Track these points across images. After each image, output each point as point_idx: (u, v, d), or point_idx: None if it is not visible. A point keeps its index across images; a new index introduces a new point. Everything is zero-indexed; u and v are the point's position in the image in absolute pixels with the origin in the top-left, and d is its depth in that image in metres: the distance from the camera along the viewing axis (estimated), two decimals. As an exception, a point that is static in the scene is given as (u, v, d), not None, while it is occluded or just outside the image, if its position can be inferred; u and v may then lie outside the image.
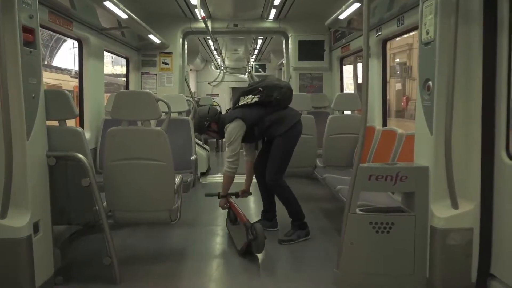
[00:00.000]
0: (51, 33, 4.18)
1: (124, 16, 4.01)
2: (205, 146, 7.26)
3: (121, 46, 5.68)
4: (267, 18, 6.37)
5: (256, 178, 3.96)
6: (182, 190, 3.93)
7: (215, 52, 11.02)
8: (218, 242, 3.73)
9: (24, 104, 2.42)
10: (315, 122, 5.09)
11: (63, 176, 2.75)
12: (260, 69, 13.55)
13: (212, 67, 14.65)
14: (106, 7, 3.66)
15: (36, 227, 2.55)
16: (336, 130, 4.67)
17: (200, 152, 6.72)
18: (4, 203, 2.39)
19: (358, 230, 2.65)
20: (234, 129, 3.52)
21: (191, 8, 5.72)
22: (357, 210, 2.66)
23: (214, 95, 14.27)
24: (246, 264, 3.22)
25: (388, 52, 16.95)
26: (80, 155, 2.72)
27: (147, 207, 3.03)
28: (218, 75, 14.25)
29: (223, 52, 11.53)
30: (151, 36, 5.48)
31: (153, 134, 2.91)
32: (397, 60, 19.57)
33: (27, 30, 2.45)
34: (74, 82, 12.90)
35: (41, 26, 3.35)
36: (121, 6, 3.76)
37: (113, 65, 14.96)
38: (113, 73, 14.90)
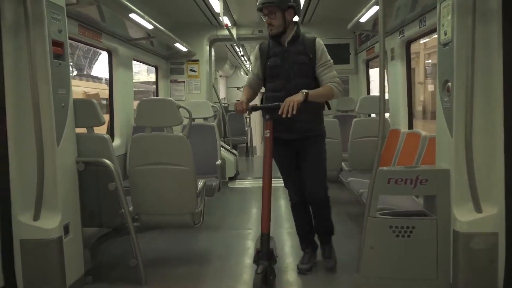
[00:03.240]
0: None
1: (150, 26, 4.16)
2: (233, 150, 7.36)
3: (150, 55, 5.87)
4: None
5: (298, 196, 3.11)
6: (207, 194, 4.03)
7: (243, 58, 11.16)
8: (244, 245, 3.78)
9: (54, 113, 2.57)
10: (341, 126, 5.08)
11: (91, 180, 2.89)
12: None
13: (242, 72, 14.80)
14: (132, 19, 3.82)
15: (66, 229, 2.69)
16: (361, 133, 4.64)
17: (228, 157, 6.82)
18: (37, 206, 2.54)
19: (378, 234, 2.63)
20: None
21: (216, 16, 5.84)
22: (377, 214, 2.65)
23: (243, 100, 14.38)
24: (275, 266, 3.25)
25: (423, 52, 16.36)
26: (107, 161, 2.85)
27: (170, 211, 3.12)
28: (247, 80, 14.38)
29: (251, 57, 11.65)
30: (178, 45, 5.64)
31: (175, 140, 3.01)
32: (429, 61, 19.05)
33: (57, 43, 2.61)
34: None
35: (72, 38, 3.54)
36: (146, 17, 3.91)
37: (148, 73, 15.38)
38: (147, 81, 15.28)
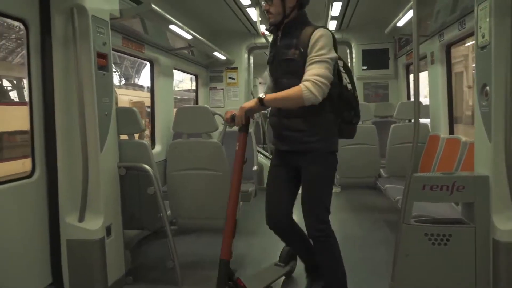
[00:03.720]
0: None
1: (189, 37, 4.31)
2: (271, 156, 7.41)
3: (190, 64, 6.06)
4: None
5: (271, 218, 2.73)
6: (244, 199, 4.10)
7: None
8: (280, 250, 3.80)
9: (98, 120, 2.74)
10: (380, 132, 5.01)
11: (132, 185, 3.03)
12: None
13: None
14: (172, 30, 3.98)
15: (108, 231, 2.84)
16: (399, 139, 4.55)
17: (265, 163, 6.87)
18: (82, 208, 2.71)
19: (413, 241, 2.58)
20: (331, 39, 2.28)
21: (254, 24, 5.94)
22: (412, 221, 2.60)
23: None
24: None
25: (471, 55, 15.77)
26: (146, 166, 2.99)
27: (206, 215, 3.22)
28: (286, 87, 14.42)
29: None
30: (217, 54, 5.78)
31: (210, 146, 3.11)
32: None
33: (101, 55, 2.78)
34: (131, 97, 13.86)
35: (116, 50, 3.74)
36: (185, 28, 4.06)
37: (191, 81, 15.79)
38: (189, 89, 15.64)
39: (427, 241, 2.54)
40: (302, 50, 2.27)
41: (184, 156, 3.16)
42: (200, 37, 4.67)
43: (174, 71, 5.33)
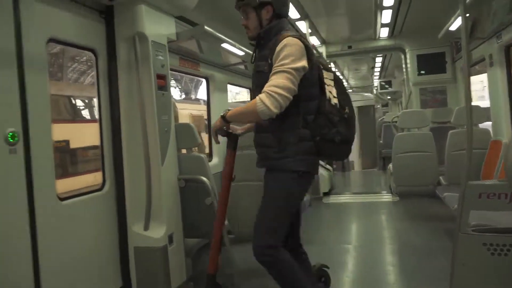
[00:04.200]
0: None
1: (241, 53, 4.50)
2: (327, 166, 7.41)
3: (245, 78, 6.27)
4: (380, 37, 6.34)
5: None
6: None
7: (337, 73, 11.18)
8: (335, 259, 3.79)
9: (159, 136, 2.97)
10: (438, 138, 4.87)
11: (191, 196, 3.23)
12: (386, 86, 13.17)
13: (336, 88, 14.77)
14: (225, 48, 4.19)
15: (170, 239, 3.05)
16: (458, 145, 4.40)
17: (321, 173, 6.89)
18: (146, 218, 2.94)
19: (470, 251, 2.51)
20: (298, 48, 2.09)
21: (304, 36, 6.03)
22: (469, 230, 2.53)
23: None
24: (370, 280, 3.28)
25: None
26: (204, 178, 3.17)
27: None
28: (341, 95, 14.29)
29: (345, 72, 11.60)
30: (269, 67, 5.94)
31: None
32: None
33: (160, 76, 3.02)
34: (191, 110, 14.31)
35: (174, 70, 4.01)
36: (237, 45, 4.25)
37: (248, 92, 16.15)
38: (246, 101, 15.98)
39: (485, 251, 2.46)
40: (270, 62, 2.14)
41: (241, 168, 3.30)
42: (252, 52, 4.84)
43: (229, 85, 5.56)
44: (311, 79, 2.15)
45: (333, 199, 6.77)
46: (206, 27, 3.47)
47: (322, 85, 2.17)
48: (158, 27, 3.07)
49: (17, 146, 2.19)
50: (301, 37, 2.19)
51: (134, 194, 2.98)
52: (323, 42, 6.65)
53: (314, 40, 6.35)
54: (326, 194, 6.89)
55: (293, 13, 4.81)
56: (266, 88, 2.04)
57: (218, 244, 2.49)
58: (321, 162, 7.33)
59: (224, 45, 4.09)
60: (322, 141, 2.14)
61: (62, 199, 2.53)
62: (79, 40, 2.76)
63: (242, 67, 5.91)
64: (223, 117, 2.24)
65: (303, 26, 5.29)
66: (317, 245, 4.24)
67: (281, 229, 2.23)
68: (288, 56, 2.05)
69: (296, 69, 2.05)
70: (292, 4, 4.49)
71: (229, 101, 6.99)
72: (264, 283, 3.30)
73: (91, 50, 2.89)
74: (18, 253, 2.20)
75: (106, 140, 2.96)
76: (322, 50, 6.61)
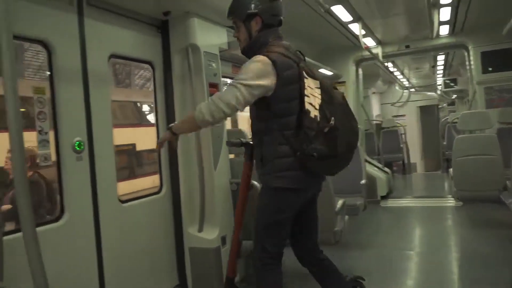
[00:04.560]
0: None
1: (293, 58, 4.55)
2: (385, 169, 7.22)
3: None
4: (439, 35, 6.07)
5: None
6: (351, 213, 4.15)
7: (397, 72, 10.82)
8: (392, 265, 3.71)
9: (212, 143, 3.11)
10: (506, 140, 4.60)
11: None
12: (452, 84, 12.54)
13: (397, 87, 14.29)
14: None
15: (223, 240, 3.17)
16: None
17: (378, 175, 6.74)
18: (200, 220, 3.10)
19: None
20: (259, 66, 2.05)
21: (358, 38, 5.95)
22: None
23: (400, 116, 13.81)
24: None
25: None
26: (254, 182, 3.26)
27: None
28: (401, 95, 13.77)
29: (405, 71, 11.21)
30: (322, 70, 5.93)
31: None
32: None
33: (212, 85, 3.17)
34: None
35: (226, 77, 4.16)
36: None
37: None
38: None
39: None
40: None
41: None
42: (306, 58, 4.87)
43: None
44: (283, 95, 2.08)
45: (392, 202, 6.58)
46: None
47: (302, 97, 2.07)
48: (210, 37, 3.22)
49: (83, 154, 2.42)
50: (279, 54, 2.09)
51: (189, 197, 3.15)
52: (379, 42, 6.50)
53: (369, 42, 6.22)
54: (384, 197, 6.71)
55: (345, 16, 4.77)
56: (211, 97, 2.09)
57: (236, 250, 2.59)
58: (377, 164, 7.15)
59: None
60: (303, 156, 2.05)
61: (122, 202, 2.75)
62: (138, 54, 2.98)
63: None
64: (169, 128, 2.22)
65: (356, 28, 5.23)
66: (374, 249, 4.17)
67: (271, 242, 2.21)
68: (246, 72, 2.05)
69: (248, 86, 2.01)
70: (344, 7, 4.46)
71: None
72: (312, 285, 3.33)
73: (149, 63, 3.10)
74: (84, 250, 2.43)
75: (163, 147, 3.15)
76: (378, 51, 6.47)
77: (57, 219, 2.30)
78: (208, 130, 3.08)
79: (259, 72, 2.03)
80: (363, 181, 4.54)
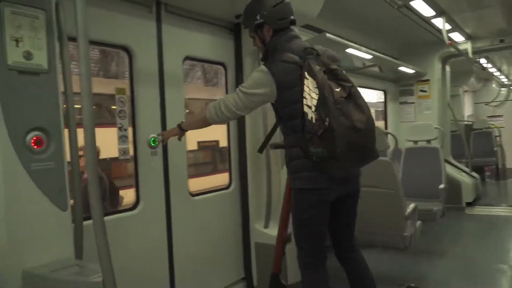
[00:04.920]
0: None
1: (368, 56, 4.44)
2: (473, 173, 6.71)
3: (377, 81, 6.12)
4: None
5: None
6: (427, 218, 3.95)
7: (492, 69, 9.92)
8: (469, 276, 3.49)
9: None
10: None
11: None
12: None
13: (494, 85, 13.08)
14: (349, 53, 4.19)
15: (288, 238, 3.22)
16: None
17: (464, 180, 6.29)
18: (267, 216, 3.19)
19: None
20: (257, 76, 2.20)
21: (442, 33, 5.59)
22: None
23: (497, 116, 12.61)
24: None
25: None
26: None
27: (378, 231, 3.27)
28: (498, 93, 12.55)
29: (503, 68, 10.23)
30: (402, 68, 5.68)
31: (381, 164, 3.16)
32: None
33: None
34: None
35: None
36: (363, 48, 4.21)
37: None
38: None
39: None
40: None
41: (366, 174, 3.31)
42: (380, 55, 4.73)
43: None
44: (284, 100, 2.16)
45: (480, 210, 6.09)
46: (328, 34, 3.56)
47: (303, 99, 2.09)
48: None
49: (157, 149, 2.64)
50: (281, 61, 2.15)
51: (256, 194, 3.25)
52: (469, 37, 6.02)
53: (457, 37, 5.81)
54: (470, 204, 6.24)
55: (427, 11, 4.52)
56: (219, 99, 2.27)
57: (281, 247, 2.66)
58: (464, 168, 6.65)
59: (349, 50, 4.10)
60: (310, 158, 2.07)
61: (193, 195, 2.94)
62: (212, 56, 3.15)
63: (375, 69, 5.79)
64: (179, 125, 2.41)
65: (439, 22, 4.92)
66: (454, 260, 3.92)
67: (304, 240, 2.30)
68: (247, 81, 2.23)
69: (246, 93, 2.18)
70: (424, 1, 4.23)
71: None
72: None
73: (221, 64, 3.25)
74: (156, 238, 2.65)
75: (233, 144, 3.30)
76: (467, 46, 6.00)
77: (133, 208, 2.55)
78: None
79: (258, 81, 2.17)
80: (441, 186, 4.29)
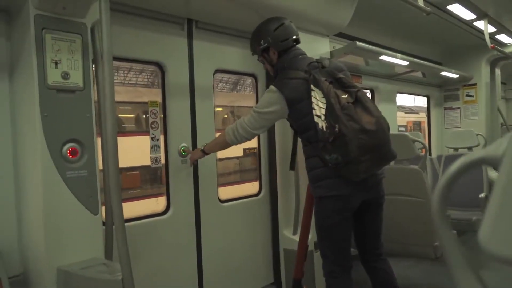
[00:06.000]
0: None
1: (404, 63, 4.37)
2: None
3: (419, 86, 5.97)
4: None
5: None
6: (465, 228, 3.82)
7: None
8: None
9: None
10: None
11: None
12: None
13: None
14: (384, 60, 4.16)
15: (316, 245, 3.27)
16: None
17: None
18: (295, 223, 3.25)
19: None
20: (268, 95, 2.36)
21: (491, 35, 5.36)
22: None
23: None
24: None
25: None
26: None
27: (409, 240, 3.23)
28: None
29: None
30: (445, 73, 5.52)
31: (411, 172, 3.13)
32: None
33: None
34: (408, 118, 13.70)
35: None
36: (398, 55, 4.16)
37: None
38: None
39: None
40: None
41: (386, 182, 3.29)
42: (418, 60, 4.64)
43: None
44: (296, 114, 2.28)
45: None
46: (358, 42, 3.58)
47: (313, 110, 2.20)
48: (311, 48, 3.33)
49: (187, 157, 2.80)
50: (288, 79, 2.29)
51: (285, 201, 3.33)
52: (517, 39, 5.74)
53: (504, 38, 5.55)
54: None
55: (467, 14, 4.38)
56: (236, 121, 2.42)
57: (303, 253, 2.73)
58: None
59: (383, 58, 4.08)
60: (327, 166, 2.16)
61: (222, 202, 3.07)
62: (242, 68, 3.28)
63: (418, 75, 5.66)
64: (202, 150, 2.61)
65: (481, 25, 4.74)
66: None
67: (327, 248, 2.37)
68: (260, 101, 2.39)
69: (260, 113, 2.34)
70: (462, 5, 4.11)
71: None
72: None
73: (252, 75, 3.37)
74: (186, 243, 2.80)
75: (263, 152, 3.40)
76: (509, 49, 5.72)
77: (164, 213, 2.72)
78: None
79: (269, 100, 2.32)
80: (482, 194, 4.13)
